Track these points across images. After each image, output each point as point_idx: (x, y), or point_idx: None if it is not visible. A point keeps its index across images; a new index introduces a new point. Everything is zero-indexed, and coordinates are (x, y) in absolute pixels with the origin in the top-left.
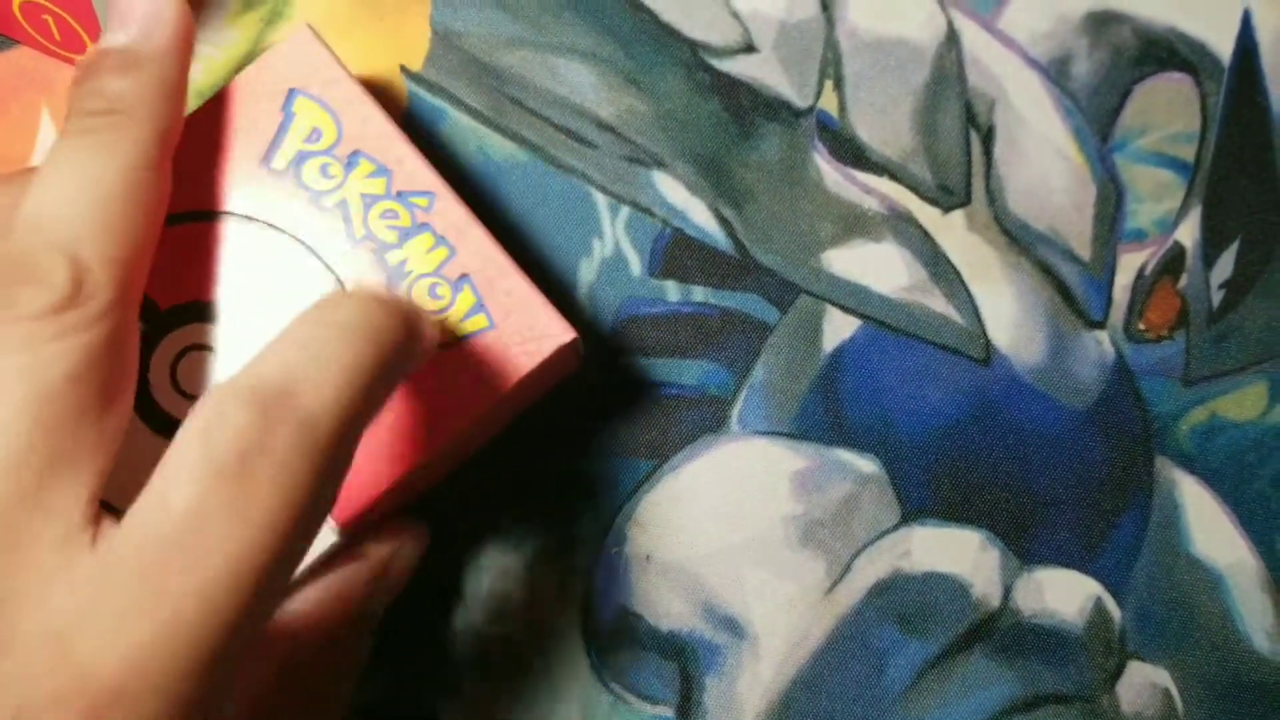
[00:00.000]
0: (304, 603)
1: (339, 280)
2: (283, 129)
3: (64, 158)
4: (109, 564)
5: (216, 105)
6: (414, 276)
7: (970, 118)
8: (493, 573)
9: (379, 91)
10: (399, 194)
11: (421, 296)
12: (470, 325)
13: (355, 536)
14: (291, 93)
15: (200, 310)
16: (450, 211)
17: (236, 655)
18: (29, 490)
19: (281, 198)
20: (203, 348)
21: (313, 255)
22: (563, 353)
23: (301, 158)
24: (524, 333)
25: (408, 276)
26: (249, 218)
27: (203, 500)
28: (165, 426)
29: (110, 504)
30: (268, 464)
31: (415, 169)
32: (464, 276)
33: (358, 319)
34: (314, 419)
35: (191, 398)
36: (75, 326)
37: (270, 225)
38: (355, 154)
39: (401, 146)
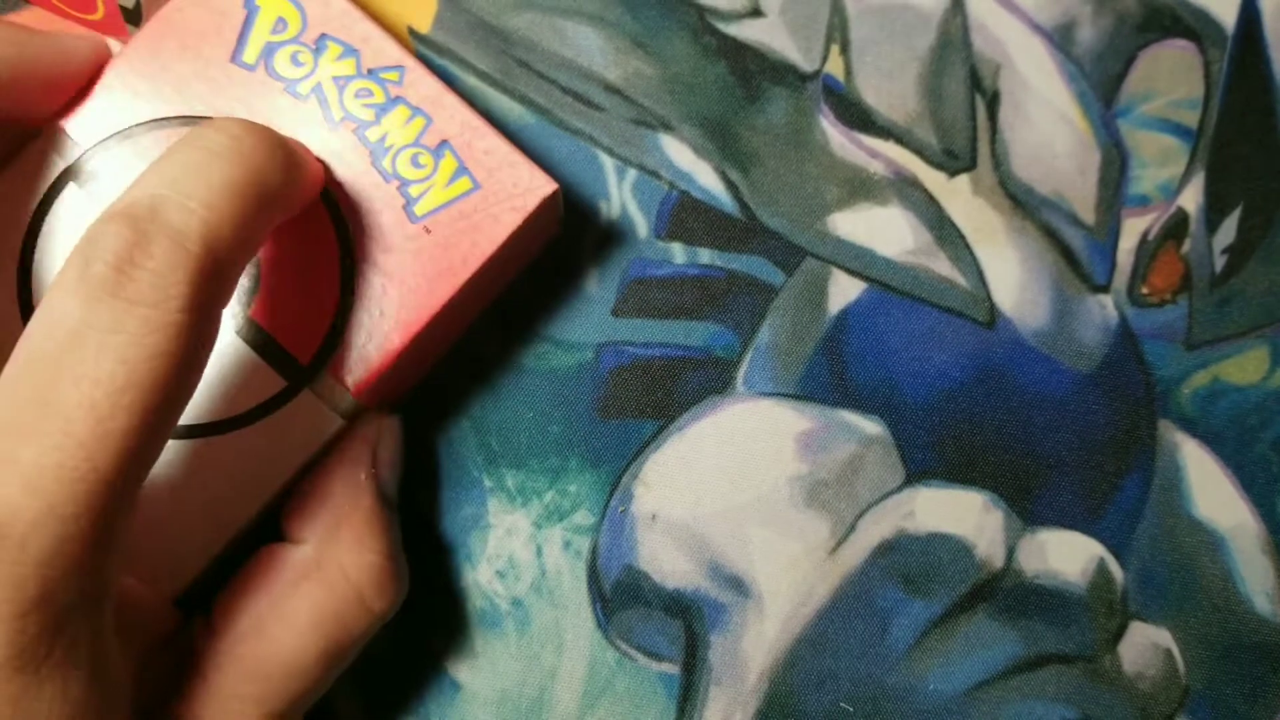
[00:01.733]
0: (318, 507)
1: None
2: (248, 23)
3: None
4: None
5: (176, 9)
6: (395, 149)
7: (975, 83)
8: (499, 530)
9: None
10: (370, 72)
11: (405, 167)
12: (456, 189)
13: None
14: None
15: None
16: (421, 82)
17: (131, 493)
18: None
19: (256, 91)
20: None
21: None
22: (546, 206)
23: (270, 49)
24: (509, 189)
25: (389, 150)
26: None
27: (84, 313)
28: None
29: None
30: (143, 274)
31: (382, 45)
32: (444, 143)
33: (225, 143)
34: (184, 231)
35: None
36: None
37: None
38: (322, 38)
39: (365, 25)
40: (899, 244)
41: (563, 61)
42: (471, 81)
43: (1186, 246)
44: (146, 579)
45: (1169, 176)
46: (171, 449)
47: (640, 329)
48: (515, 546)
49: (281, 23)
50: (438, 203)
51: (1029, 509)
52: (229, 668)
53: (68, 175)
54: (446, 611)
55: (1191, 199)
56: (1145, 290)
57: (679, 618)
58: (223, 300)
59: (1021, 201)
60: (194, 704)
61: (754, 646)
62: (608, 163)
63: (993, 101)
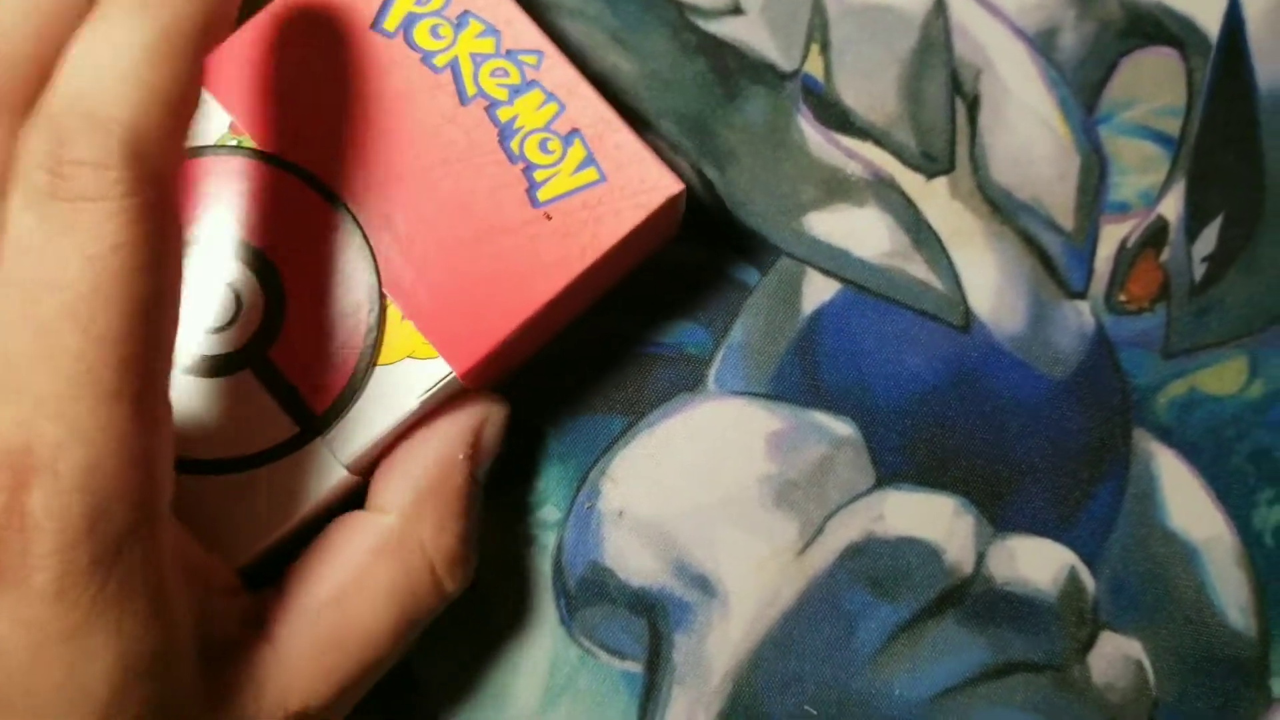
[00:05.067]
0: (407, 478)
1: (361, 235)
2: None
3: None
4: None
5: None
6: (525, 132)
7: (956, 86)
8: None
9: None
10: (508, 52)
11: (533, 151)
12: (581, 178)
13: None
14: None
15: (238, 247)
16: (559, 69)
17: (149, 404)
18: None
19: (392, 58)
20: (228, 284)
21: (341, 211)
22: (670, 205)
23: (411, 20)
24: (634, 185)
25: (518, 132)
26: (280, 160)
27: (36, 223)
28: None
29: None
30: (76, 170)
31: (523, 29)
32: (574, 131)
33: (129, 4)
34: (106, 117)
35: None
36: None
37: (307, 178)
38: (464, 14)
39: (510, 7)
40: (875, 245)
41: None
42: None
43: (1166, 255)
44: None
45: (1149, 184)
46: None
47: (613, 323)
48: (481, 541)
49: None
50: (561, 190)
51: (1000, 515)
52: (304, 636)
53: None
54: None
55: (1172, 207)
56: (1123, 298)
57: (643, 616)
58: (172, 167)
59: (999, 206)
60: (262, 669)
61: (718, 647)
62: None
63: (973, 105)
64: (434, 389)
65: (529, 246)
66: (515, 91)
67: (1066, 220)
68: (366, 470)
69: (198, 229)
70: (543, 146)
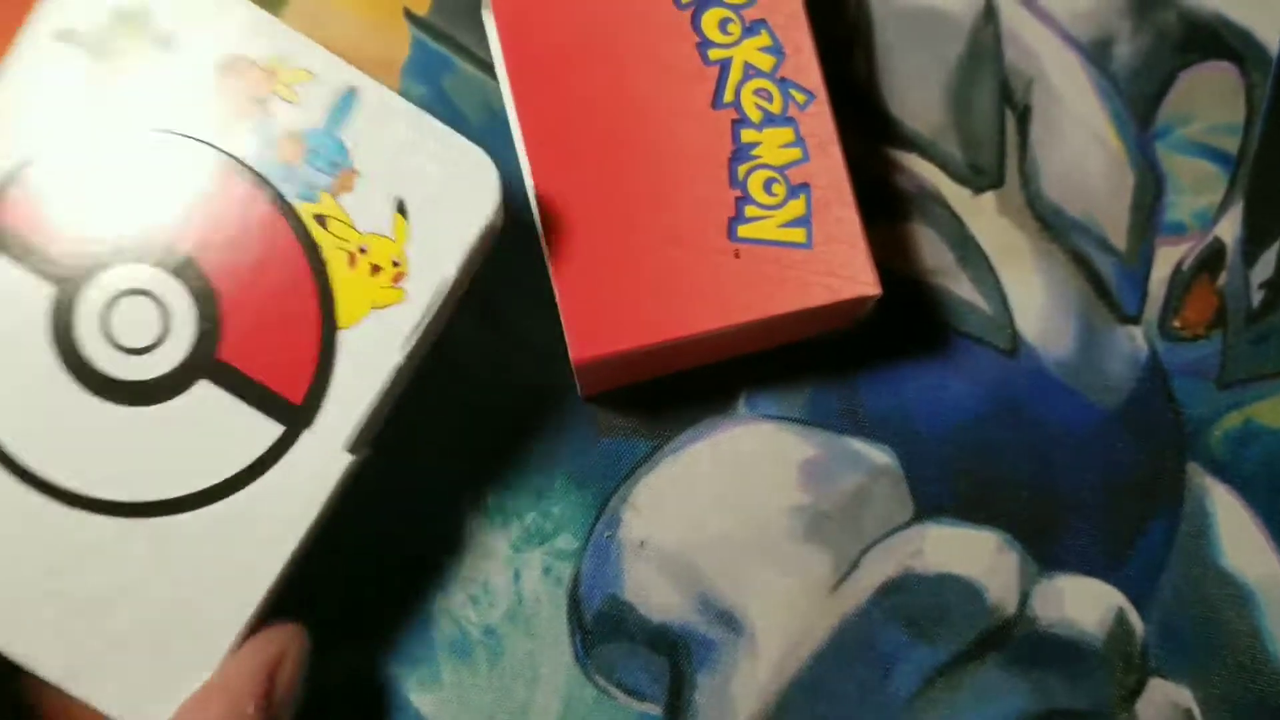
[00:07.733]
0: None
1: (278, 195)
2: None
3: None
4: None
5: None
6: (757, 163)
7: (1006, 95)
8: (475, 553)
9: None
10: (783, 79)
11: (755, 186)
12: (788, 235)
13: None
14: None
15: (132, 247)
16: (822, 119)
17: None
18: None
19: (671, 33)
20: (140, 292)
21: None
22: (857, 305)
23: (707, 3)
24: (835, 266)
25: (752, 161)
26: (204, 141)
27: None
28: (102, 386)
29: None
30: None
31: (808, 62)
32: (804, 186)
33: None
34: None
35: (128, 350)
36: None
37: (225, 154)
38: (759, 22)
39: (804, 37)
40: (919, 263)
41: None
42: (469, 69)
43: (1222, 279)
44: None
45: (1206, 204)
46: (176, 525)
47: None
48: (490, 570)
49: None
50: (763, 235)
51: (1046, 552)
52: None
53: None
54: (412, 638)
55: (1229, 229)
56: (1178, 324)
57: (664, 654)
58: None
59: (1050, 223)
60: None
61: (744, 689)
62: None
63: (1023, 116)
64: (417, 333)
65: (705, 275)
66: (769, 120)
67: (1119, 240)
68: (369, 443)
69: (92, 237)
70: (767, 187)
